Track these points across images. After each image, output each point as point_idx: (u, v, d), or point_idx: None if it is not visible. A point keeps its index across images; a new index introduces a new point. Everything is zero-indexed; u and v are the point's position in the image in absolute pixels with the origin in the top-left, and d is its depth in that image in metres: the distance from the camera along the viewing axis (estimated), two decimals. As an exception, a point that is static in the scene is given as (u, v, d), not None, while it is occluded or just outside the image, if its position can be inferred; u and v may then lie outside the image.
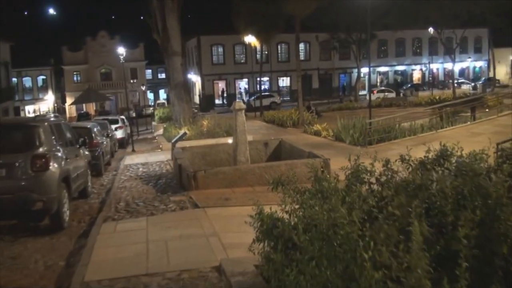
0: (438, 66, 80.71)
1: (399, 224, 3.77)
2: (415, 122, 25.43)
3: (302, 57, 60.36)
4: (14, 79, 69.65)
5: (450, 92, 54.99)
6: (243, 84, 71.81)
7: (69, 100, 70.37)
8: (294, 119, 34.66)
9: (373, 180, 5.13)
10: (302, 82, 38.28)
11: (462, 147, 5.21)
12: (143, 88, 77.08)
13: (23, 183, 9.33)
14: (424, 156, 5.32)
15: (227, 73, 68.36)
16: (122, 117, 37.94)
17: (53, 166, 9.78)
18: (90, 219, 11.17)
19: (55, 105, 78.87)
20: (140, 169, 19.19)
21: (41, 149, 9.73)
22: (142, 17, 42.15)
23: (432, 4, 47.62)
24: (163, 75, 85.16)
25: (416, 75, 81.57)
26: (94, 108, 69.15)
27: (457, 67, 71.85)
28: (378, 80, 77.47)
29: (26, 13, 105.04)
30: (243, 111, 14.97)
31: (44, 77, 78.33)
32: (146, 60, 79.55)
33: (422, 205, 3.96)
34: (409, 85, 71.34)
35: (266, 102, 54.51)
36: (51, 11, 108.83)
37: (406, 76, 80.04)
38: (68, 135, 12.53)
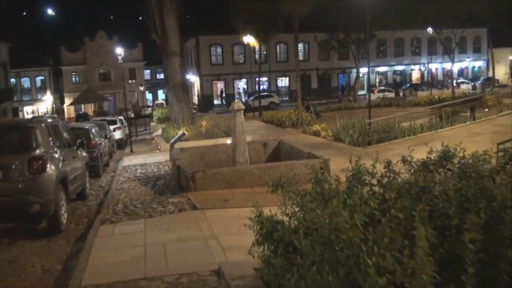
0: (437, 66, 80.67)
1: (403, 228, 3.68)
2: (414, 122, 25.36)
3: (301, 57, 60.28)
4: (13, 80, 69.54)
5: (449, 92, 54.95)
6: (241, 84, 71.73)
7: (67, 101, 70.22)
8: (293, 119, 34.60)
9: (374, 181, 5.05)
10: (301, 82, 38.22)
11: (465, 148, 5.12)
12: (142, 88, 76.91)
13: (20, 186, 9.21)
14: (427, 157, 5.22)
15: (226, 73, 68.26)
16: (121, 117, 37.88)
17: (50, 168, 9.67)
18: (88, 221, 11.06)
19: (54, 105, 78.74)
20: (139, 170, 19.10)
21: (38, 151, 9.62)
22: (140, 18, 42.11)
23: (431, 4, 47.56)
24: (161, 76, 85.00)
25: (415, 75, 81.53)
26: (93, 109, 69.09)
27: (456, 67, 71.84)
28: (377, 80, 77.43)
29: (24, 13, 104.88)
30: (242, 111, 14.89)
31: (42, 77, 78.19)
32: (144, 60, 79.39)
33: (426, 208, 3.85)
34: (408, 85, 71.30)
35: (265, 102, 54.45)
36: (50, 11, 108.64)
37: (405, 76, 79.98)
38: (66, 136, 12.43)
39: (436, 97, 48.53)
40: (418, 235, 3.33)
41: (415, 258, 3.28)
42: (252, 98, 56.71)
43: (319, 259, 3.83)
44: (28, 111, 73.63)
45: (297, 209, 4.83)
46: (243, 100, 59.52)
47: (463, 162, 4.89)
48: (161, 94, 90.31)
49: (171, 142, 21.42)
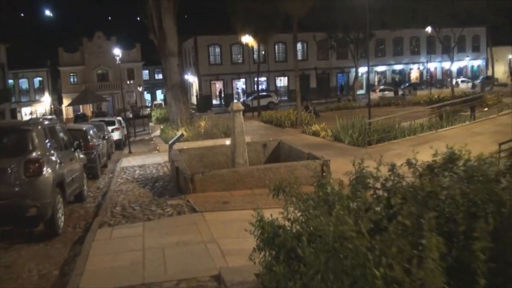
0: (436, 65, 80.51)
1: (411, 236, 3.54)
2: (414, 121, 25.26)
3: (299, 56, 60.17)
4: (11, 81, 69.29)
5: (448, 91, 54.86)
6: (240, 84, 71.61)
7: (66, 102, 69.99)
8: (292, 119, 34.51)
9: (378, 185, 4.90)
10: (299, 82, 38.11)
11: (470, 150, 4.98)
12: (140, 89, 76.72)
13: (16, 189, 9.08)
14: (432, 160, 5.07)
15: (224, 73, 68.12)
16: (119, 118, 37.72)
17: (47, 171, 9.52)
18: (85, 224, 10.90)
19: (52, 106, 78.47)
20: (137, 171, 18.97)
21: (34, 154, 9.47)
22: (138, 18, 41.95)
23: (430, 3, 47.51)
24: (160, 76, 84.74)
25: (414, 74, 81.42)
26: (91, 110, 68.88)
27: (455, 66, 71.81)
28: (376, 80, 77.32)
29: (22, 14, 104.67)
30: (241, 112, 14.75)
31: (40, 78, 77.89)
32: (143, 60, 79.17)
33: (434, 215, 3.69)
34: (407, 84, 71.21)
35: (263, 102, 54.31)
36: (47, 12, 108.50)
37: (404, 75, 79.84)
38: (63, 138, 12.29)
39: (436, 96, 48.44)
40: (428, 245, 3.19)
41: (424, 269, 3.14)
42: (250, 98, 56.60)
43: (324, 267, 3.68)
44: (26, 112, 73.35)
45: (299, 214, 4.70)
46: (242, 100, 59.36)
47: (470, 165, 4.75)
48: (159, 95, 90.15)
49: (169, 143, 21.27)
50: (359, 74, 64.90)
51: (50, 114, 69.53)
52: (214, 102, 69.23)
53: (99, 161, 19.41)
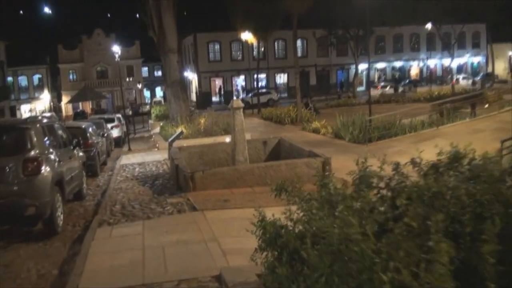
0: (436, 62, 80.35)
1: (418, 238, 3.45)
2: (415, 118, 25.14)
3: (299, 53, 59.98)
4: (10, 78, 69.18)
5: (448, 87, 54.72)
6: (240, 81, 71.49)
7: (65, 99, 69.88)
8: (292, 116, 34.37)
9: (381, 184, 4.80)
10: (299, 79, 37.99)
11: (475, 149, 4.89)
12: (140, 86, 76.52)
13: (14, 188, 9.00)
14: (437, 159, 4.97)
15: (224, 70, 67.98)
16: (118, 115, 37.56)
17: (46, 169, 9.43)
18: (85, 223, 10.83)
19: (51, 104, 78.31)
20: (137, 169, 18.88)
21: (32, 152, 9.38)
22: (137, 15, 41.75)
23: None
24: (159, 73, 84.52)
25: (414, 71, 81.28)
26: (91, 107, 68.71)
27: (455, 62, 71.67)
28: (376, 76, 77.16)
29: (21, 12, 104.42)
30: (241, 109, 14.65)
31: (40, 75, 77.72)
32: (142, 57, 79.00)
33: (442, 217, 3.60)
34: (407, 81, 71.05)
35: (263, 99, 54.13)
36: (47, 9, 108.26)
37: (403, 72, 79.70)
38: (62, 136, 12.20)
39: (436, 93, 48.28)
40: (437, 248, 3.10)
41: (433, 273, 3.05)
42: (250, 95, 56.47)
43: (328, 270, 3.59)
44: (25, 110, 73.29)
45: (301, 214, 4.61)
46: (241, 97, 59.24)
47: (475, 164, 4.67)
48: (159, 92, 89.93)
49: (169, 140, 21.15)
50: (359, 71, 64.81)
51: (50, 112, 69.42)
52: (214, 99, 69.14)
53: (99, 158, 19.32)
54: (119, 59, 39.04)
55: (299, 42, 63.36)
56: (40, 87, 77.70)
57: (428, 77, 74.47)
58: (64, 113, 69.54)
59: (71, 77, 75.62)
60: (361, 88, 68.18)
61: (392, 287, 3.08)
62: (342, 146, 21.76)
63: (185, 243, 8.09)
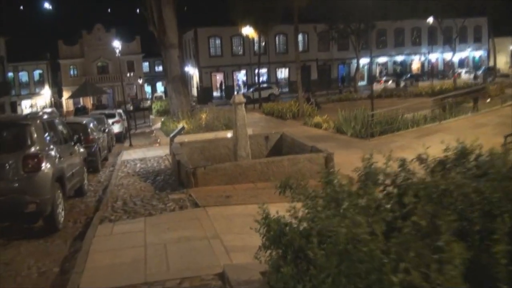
0: (437, 56, 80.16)
1: (427, 238, 3.35)
2: (417, 113, 25.03)
3: (300, 48, 59.73)
4: (10, 74, 69.04)
5: (450, 82, 54.53)
6: (241, 76, 71.31)
7: (66, 94, 69.78)
8: (294, 111, 34.23)
9: (387, 181, 4.70)
10: (300, 74, 37.85)
11: (482, 145, 4.79)
12: (140, 81, 76.45)
13: (15, 185, 8.91)
14: (444, 156, 4.87)
15: (225, 65, 67.80)
16: (119, 110, 37.47)
17: (46, 166, 9.34)
18: (86, 219, 10.75)
19: (52, 99, 78.23)
20: (138, 164, 18.79)
21: (33, 149, 9.29)
22: (138, 10, 41.63)
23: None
24: (160, 68, 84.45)
25: (415, 65, 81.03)
26: (91, 102, 68.62)
27: (457, 57, 71.48)
28: (378, 71, 76.91)
29: (21, 7, 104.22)
30: (243, 104, 14.54)
31: (40, 71, 77.61)
32: (142, 53, 78.80)
33: (453, 217, 3.50)
34: (409, 75, 70.82)
35: (264, 94, 53.94)
36: (47, 4, 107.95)
37: (405, 66, 79.46)
38: (62, 131, 12.11)
39: (438, 88, 48.11)
40: (447, 248, 3.00)
41: (445, 275, 2.95)
42: (251, 90, 56.33)
43: (335, 271, 3.49)
44: (26, 105, 73.18)
45: (306, 212, 4.51)
46: (243, 92, 59.09)
47: (482, 161, 4.58)
48: (160, 87, 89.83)
49: (171, 136, 21.07)
50: (360, 66, 64.63)
51: (50, 107, 69.31)
52: (215, 94, 68.95)
53: (100, 154, 19.22)
54: (119, 54, 38.91)
55: (300, 37, 63.10)
56: (40, 83, 77.59)
57: (429, 71, 74.27)
58: (65, 109, 69.41)
59: (71, 72, 75.49)
60: (362, 83, 68.03)
61: (402, 288, 2.99)
62: (344, 141, 21.68)
63: (187, 240, 7.99)
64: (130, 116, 38.84)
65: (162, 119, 36.24)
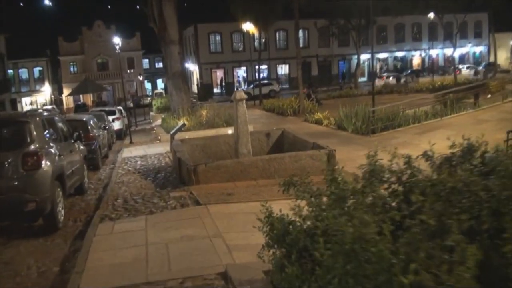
0: (437, 52, 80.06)
1: (439, 238, 3.25)
2: (418, 109, 24.93)
3: (300, 44, 59.61)
4: (10, 71, 68.94)
5: (451, 77, 54.45)
6: (241, 72, 71.18)
7: (66, 91, 69.54)
8: (295, 108, 34.13)
9: (393, 178, 4.60)
10: (301, 70, 37.72)
11: (487, 141, 4.70)
12: (140, 78, 76.35)
13: (14, 183, 8.79)
14: (451, 153, 4.76)
15: (225, 61, 67.70)
16: (120, 107, 37.43)
17: (46, 164, 9.23)
18: (86, 218, 10.65)
19: (52, 96, 78.12)
20: (138, 162, 18.72)
21: (32, 146, 9.18)
22: (138, 6, 41.51)
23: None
24: (160, 65, 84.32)
25: (416, 61, 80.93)
26: (92, 99, 68.52)
27: (457, 52, 71.38)
28: (378, 67, 76.79)
29: (21, 4, 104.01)
30: (244, 101, 14.42)
31: (40, 68, 77.48)
32: (143, 49, 78.64)
33: (467, 218, 3.41)
34: (409, 71, 70.67)
35: (265, 90, 53.84)
36: (47, 1, 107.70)
37: (405, 62, 79.35)
38: (62, 129, 12.01)
39: (438, 83, 48.03)
40: (459, 249, 2.91)
41: (457, 277, 2.86)
42: (252, 86, 56.22)
43: (342, 271, 3.40)
44: (26, 103, 73.10)
45: (310, 210, 4.41)
46: (243, 88, 58.98)
47: (490, 157, 4.49)
48: (160, 83, 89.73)
49: (171, 133, 20.99)
50: (361, 62, 64.51)
51: (51, 104, 69.24)
52: (215, 90, 68.86)
53: (100, 152, 19.14)
54: (119, 51, 38.81)
55: (300, 33, 62.79)
56: (40, 80, 77.46)
57: (429, 67, 74.16)
58: (65, 106, 69.29)
59: (71, 69, 75.32)
60: (362, 79, 67.91)
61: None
62: (345, 137, 21.60)
63: (189, 239, 7.90)
64: (130, 113, 38.73)
65: (163, 116, 36.17)
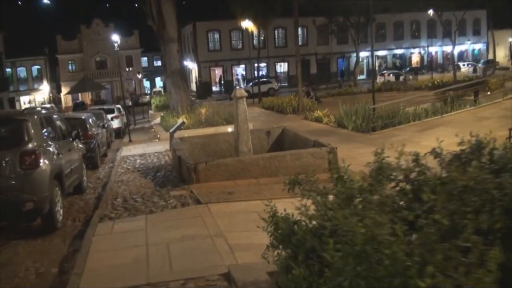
0: (436, 49, 80.00)
1: (454, 239, 3.12)
2: (419, 106, 24.82)
3: (299, 42, 59.55)
4: (8, 70, 68.80)
5: (450, 75, 54.39)
6: (240, 70, 71.04)
7: (64, 90, 69.39)
8: (294, 106, 34.01)
9: (400, 177, 4.46)
10: (300, 68, 37.61)
11: (495, 138, 4.57)
12: (139, 76, 76.20)
13: (12, 182, 8.61)
14: (460, 150, 4.63)
15: (224, 59, 67.57)
16: (118, 106, 37.32)
17: (44, 162, 9.07)
18: (85, 217, 10.49)
19: (51, 95, 77.91)
20: (138, 160, 18.58)
21: (30, 145, 9.01)
22: (136, 4, 41.34)
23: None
24: (159, 63, 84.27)
25: (415, 59, 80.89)
26: (90, 98, 68.36)
27: (456, 49, 71.34)
28: (377, 64, 76.68)
29: (19, 2, 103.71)
30: (244, 99, 14.28)
31: (38, 67, 77.21)
32: (141, 47, 78.52)
33: (485, 217, 3.27)
34: (408, 69, 70.66)
35: (264, 88, 53.74)
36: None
37: (404, 60, 79.31)
38: (60, 127, 11.87)
39: (438, 81, 47.96)
40: (476, 250, 2.77)
41: (474, 280, 2.72)
42: (251, 84, 56.12)
43: (353, 273, 3.25)
44: (25, 101, 72.89)
45: (316, 209, 4.27)
46: (242, 86, 58.86)
47: (500, 154, 4.36)
48: (158, 82, 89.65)
49: (170, 131, 20.86)
50: (360, 59, 64.41)
51: (49, 103, 69.04)
52: (214, 89, 68.75)
53: (99, 150, 18.99)
54: (118, 49, 38.66)
55: (299, 30, 62.80)
56: (39, 78, 77.20)
57: (428, 64, 74.11)
58: (63, 104, 69.17)
59: (70, 67, 75.10)
60: (361, 77, 67.79)
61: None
62: (345, 135, 21.50)
63: (190, 239, 7.76)
64: (129, 112, 38.63)
65: (162, 114, 36.06)
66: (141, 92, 75.73)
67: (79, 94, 65.15)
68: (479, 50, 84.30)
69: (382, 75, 61.79)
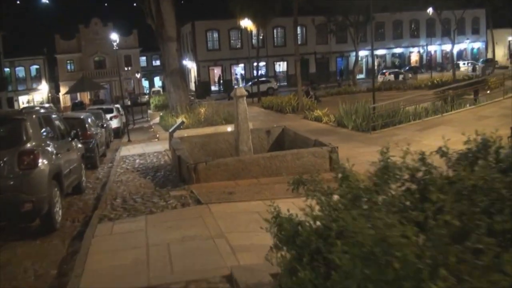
0: (435, 48, 79.94)
1: (467, 241, 3.02)
2: (419, 105, 24.72)
3: (298, 41, 59.48)
4: (7, 69, 68.68)
5: (449, 74, 54.35)
6: (239, 69, 70.94)
7: (63, 90, 69.31)
8: (293, 105, 33.89)
9: (406, 176, 4.36)
10: (299, 67, 37.51)
11: (501, 136, 4.48)
12: (138, 75, 76.14)
13: (10, 183, 8.50)
14: (467, 149, 4.53)
15: (223, 58, 67.48)
16: (117, 105, 37.20)
17: (43, 162, 8.97)
18: (84, 218, 10.39)
19: (49, 95, 77.82)
20: (137, 160, 18.47)
21: (28, 145, 8.91)
22: (134, 4, 41.23)
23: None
24: (157, 62, 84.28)
25: (414, 58, 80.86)
26: (89, 97, 68.25)
27: (455, 48, 71.32)
28: (376, 63, 76.62)
29: (18, 2, 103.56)
30: (245, 98, 14.18)
31: (37, 66, 77.16)
32: (140, 47, 78.47)
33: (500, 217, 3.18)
34: (407, 68, 70.61)
35: (263, 87, 53.63)
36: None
37: (403, 59, 79.28)
38: (59, 127, 11.77)
39: (437, 80, 47.89)
40: (490, 253, 2.68)
41: (489, 284, 2.62)
42: (250, 83, 56.03)
43: (361, 276, 3.15)
44: (23, 101, 72.77)
45: (321, 209, 4.17)
46: (241, 86, 58.71)
47: (508, 153, 4.27)
48: (157, 81, 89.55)
49: (170, 131, 20.77)
50: (359, 59, 64.35)
51: (48, 103, 68.93)
52: (213, 88, 68.66)
53: (98, 150, 18.89)
54: (117, 48, 38.56)
55: (298, 30, 62.72)
56: (37, 78, 77.14)
57: (428, 63, 74.07)
58: (62, 104, 69.12)
59: (68, 67, 75.04)
60: (360, 76, 67.71)
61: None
62: (345, 134, 21.39)
63: (191, 240, 7.65)
64: (128, 111, 38.54)
65: (161, 114, 35.97)
66: (140, 91, 75.68)
67: (78, 94, 65.12)
68: (478, 49, 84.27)
69: (383, 74, 61.65)
